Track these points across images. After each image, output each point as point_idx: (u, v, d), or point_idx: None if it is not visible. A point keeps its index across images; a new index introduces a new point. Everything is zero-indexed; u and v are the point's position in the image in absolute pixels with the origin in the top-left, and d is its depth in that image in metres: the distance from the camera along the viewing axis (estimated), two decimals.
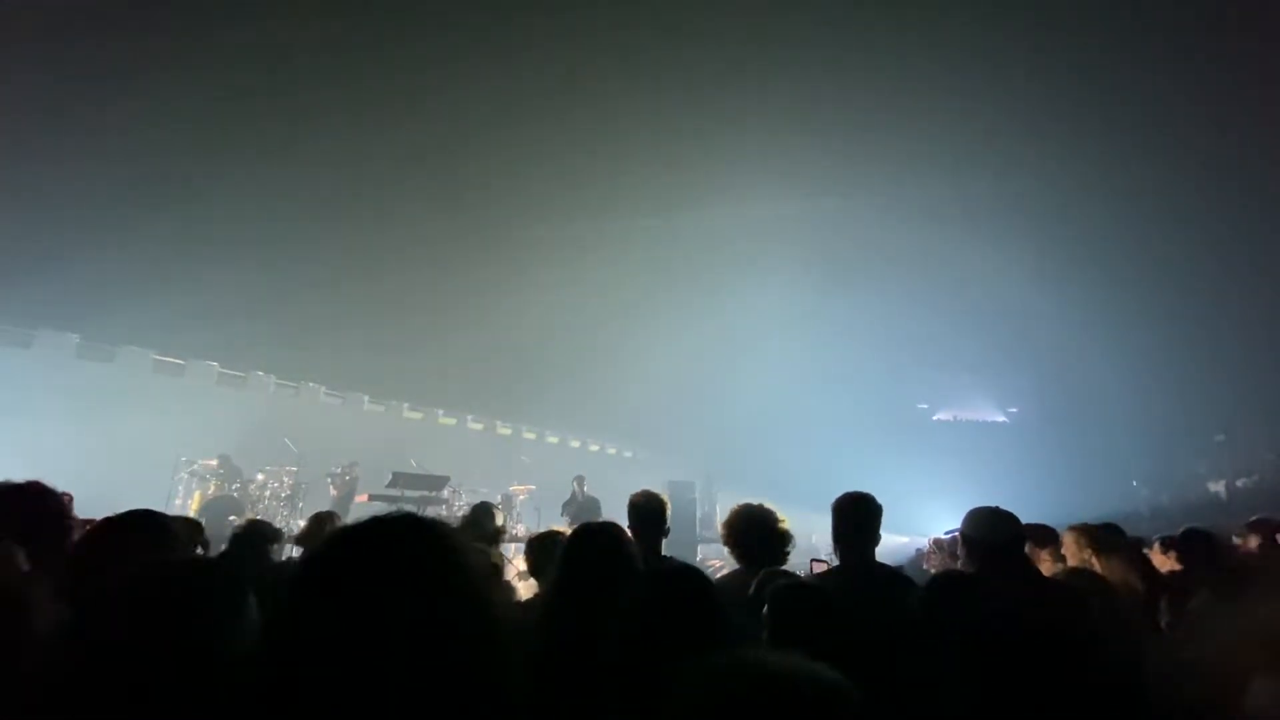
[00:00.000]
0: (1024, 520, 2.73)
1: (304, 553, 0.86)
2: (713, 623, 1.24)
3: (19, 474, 1.88)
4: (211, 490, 9.53)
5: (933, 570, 6.09)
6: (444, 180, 11.00)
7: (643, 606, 1.24)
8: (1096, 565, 2.68)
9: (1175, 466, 15.41)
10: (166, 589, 0.93)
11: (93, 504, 2.73)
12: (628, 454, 19.09)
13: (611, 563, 1.51)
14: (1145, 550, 3.20)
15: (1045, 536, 3.43)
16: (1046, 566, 2.96)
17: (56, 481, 1.92)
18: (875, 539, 2.28)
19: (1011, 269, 14.33)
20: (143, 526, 1.49)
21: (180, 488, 9.53)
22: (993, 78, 10.51)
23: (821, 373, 17.18)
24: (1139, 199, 12.27)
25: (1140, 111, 10.94)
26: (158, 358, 11.20)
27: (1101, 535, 3.04)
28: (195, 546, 2.03)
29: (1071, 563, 2.87)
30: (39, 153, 7.94)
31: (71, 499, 1.85)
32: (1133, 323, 14.51)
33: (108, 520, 1.50)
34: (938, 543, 6.21)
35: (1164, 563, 3.01)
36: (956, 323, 17.07)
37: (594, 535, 1.64)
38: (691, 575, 1.38)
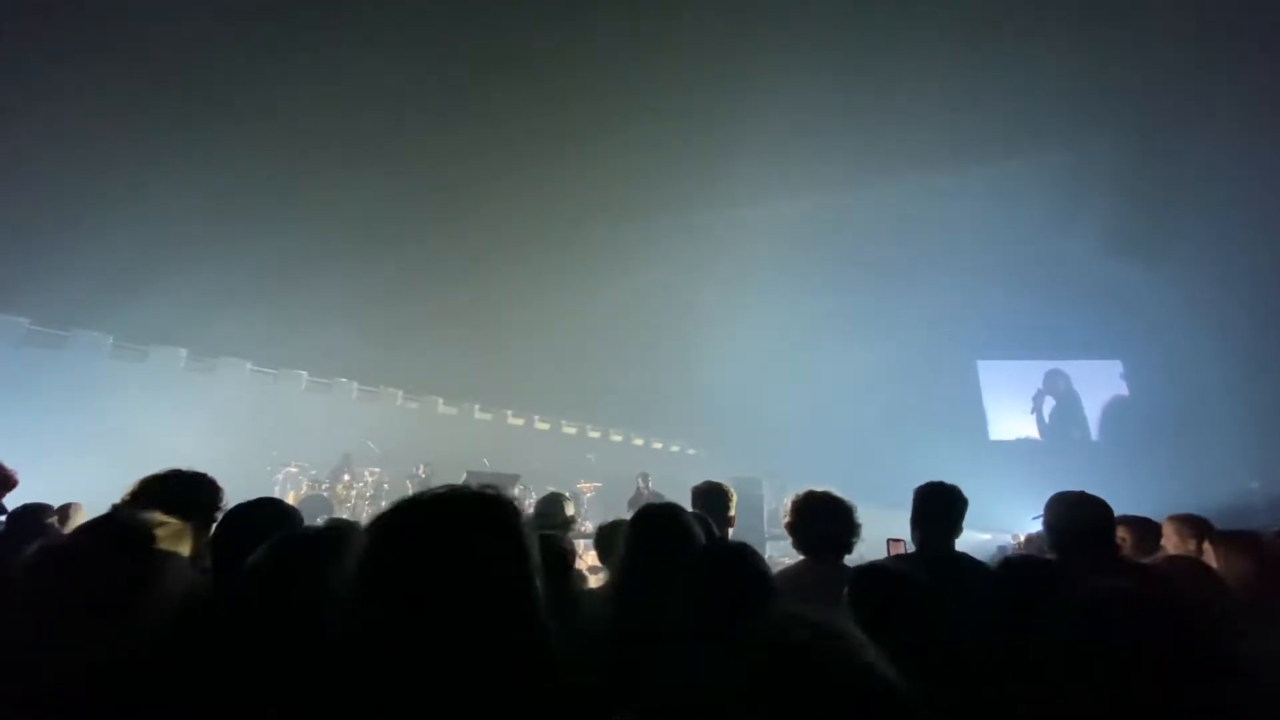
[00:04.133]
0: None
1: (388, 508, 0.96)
2: (764, 598, 1.25)
3: (138, 475, 2.13)
4: (304, 490, 10.23)
5: None
6: (513, 189, 11.35)
7: (697, 581, 1.28)
8: (1206, 555, 2.47)
9: None
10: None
11: None
12: (691, 451, 19.04)
13: (674, 539, 1.56)
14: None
15: (1147, 530, 3.20)
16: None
17: None
18: (957, 529, 2.20)
19: (1105, 248, 13.37)
20: (275, 509, 1.71)
21: (276, 489, 10.25)
22: (1084, 45, 9.81)
23: (897, 365, 16.51)
24: (1244, 164, 11.17)
25: (1238, 81, 9.98)
26: (253, 368, 12.11)
27: (1208, 523, 2.80)
28: None
29: (1174, 554, 2.67)
30: (144, 185, 8.75)
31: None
32: (1241, 300, 13.20)
33: (244, 505, 1.72)
34: (1028, 539, 5.90)
35: None
36: (1042, 304, 16.07)
37: (654, 515, 1.69)
38: (740, 550, 1.39)
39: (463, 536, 0.85)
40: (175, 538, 1.30)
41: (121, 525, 1.25)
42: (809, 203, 13.41)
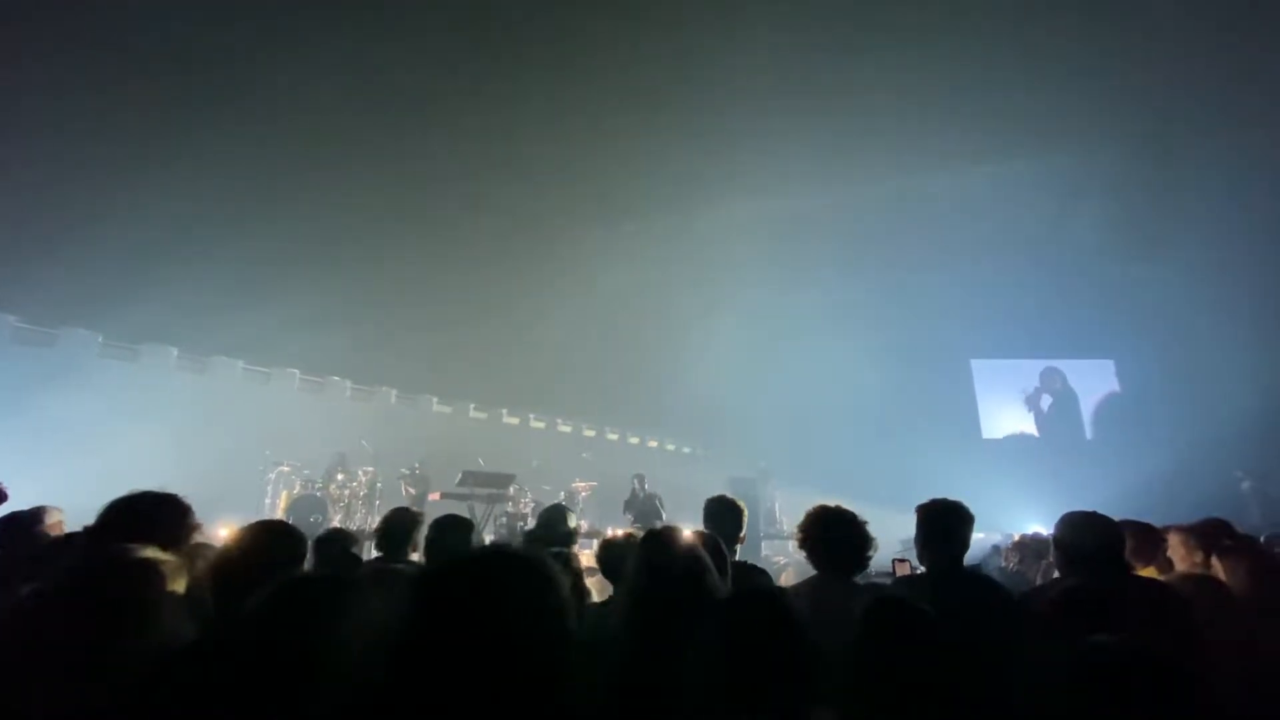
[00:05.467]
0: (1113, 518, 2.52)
1: (429, 574, 0.93)
2: (794, 654, 1.20)
3: (131, 479, 2.05)
4: (297, 490, 10.12)
5: (1011, 568, 5.80)
6: (508, 188, 11.30)
7: (719, 641, 1.22)
8: (1214, 569, 2.45)
9: None
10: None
11: (197, 506, 2.96)
12: (686, 450, 19.04)
13: (690, 590, 1.49)
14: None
15: (1145, 537, 3.18)
16: (1150, 572, 2.75)
17: (162, 485, 2.07)
18: (965, 546, 2.17)
19: (1103, 247, 13.42)
20: (283, 535, 1.62)
21: (269, 488, 10.15)
22: (1085, 47, 9.81)
23: (891, 364, 16.53)
24: (1243, 165, 11.23)
25: (1240, 83, 10.03)
26: (246, 367, 12.00)
27: (1214, 534, 2.78)
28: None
29: (1181, 567, 2.65)
30: (137, 182, 8.63)
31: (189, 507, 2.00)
32: (1238, 300, 13.26)
33: (247, 531, 1.62)
34: (1020, 543, 5.92)
35: None
36: (1038, 304, 16.14)
37: (671, 561, 1.60)
38: (768, 602, 1.33)
39: (507, 601, 0.84)
40: (175, 574, 1.26)
41: (118, 565, 1.20)
42: (805, 202, 13.42)
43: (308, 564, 2.24)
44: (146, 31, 7.62)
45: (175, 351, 11.18)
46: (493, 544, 0.96)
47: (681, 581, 1.48)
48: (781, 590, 1.45)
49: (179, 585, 1.28)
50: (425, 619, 0.83)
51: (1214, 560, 2.47)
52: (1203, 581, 2.33)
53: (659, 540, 1.67)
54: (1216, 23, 9.25)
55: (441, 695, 0.77)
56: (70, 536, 2.19)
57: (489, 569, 0.89)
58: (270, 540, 1.60)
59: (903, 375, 16.71)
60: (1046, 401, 17.57)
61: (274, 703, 0.93)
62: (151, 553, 1.27)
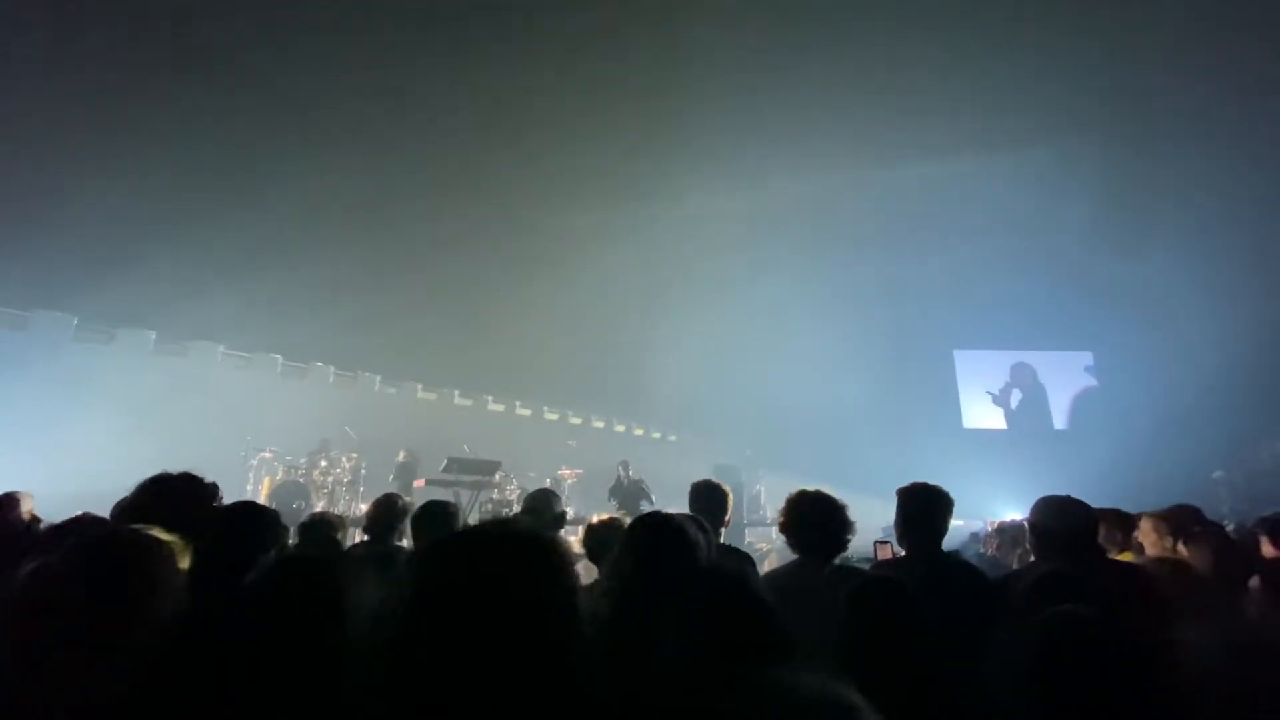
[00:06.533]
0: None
1: (430, 550, 0.91)
2: (760, 629, 1.23)
3: (107, 466, 2.02)
4: (280, 476, 10.03)
5: (990, 554, 5.94)
6: (489, 175, 11.21)
7: (692, 613, 1.24)
8: (1182, 553, 2.53)
9: (1260, 449, 14.26)
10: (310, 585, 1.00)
11: None
12: (672, 438, 19.12)
13: (679, 566, 1.50)
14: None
15: (1118, 522, 3.26)
16: (1124, 557, 2.82)
17: (143, 471, 2.05)
18: (944, 529, 2.21)
19: (1087, 242, 13.60)
20: (261, 521, 1.61)
21: (251, 475, 10.04)
22: (1073, 46, 9.89)
23: (875, 355, 16.68)
24: (1225, 164, 11.41)
25: (1222, 83, 10.18)
26: (226, 352, 11.81)
27: (1184, 520, 2.86)
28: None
29: (1151, 552, 2.73)
30: (114, 160, 8.42)
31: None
32: (1217, 295, 13.51)
33: (223, 516, 1.60)
34: (1000, 529, 6.05)
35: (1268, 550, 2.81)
36: (1022, 297, 16.35)
37: (661, 537, 1.61)
38: (735, 579, 1.35)
39: (514, 580, 0.82)
40: (180, 555, 1.26)
41: (123, 545, 1.19)
42: (789, 191, 13.46)
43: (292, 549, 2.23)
44: (120, 10, 7.40)
45: (153, 335, 10.96)
46: (496, 519, 0.93)
47: (671, 567, 1.49)
48: (745, 573, 1.47)
49: (183, 565, 1.28)
50: (431, 597, 0.81)
51: (1179, 545, 2.56)
52: (1173, 565, 2.41)
53: (649, 526, 1.67)
54: (1201, 20, 9.37)
55: (452, 676, 0.75)
56: (66, 524, 2.16)
57: (496, 544, 0.86)
58: (243, 522, 1.58)
59: (886, 365, 16.88)
60: (1016, 395, 17.90)
61: (276, 678, 0.93)
62: (158, 532, 1.27)
